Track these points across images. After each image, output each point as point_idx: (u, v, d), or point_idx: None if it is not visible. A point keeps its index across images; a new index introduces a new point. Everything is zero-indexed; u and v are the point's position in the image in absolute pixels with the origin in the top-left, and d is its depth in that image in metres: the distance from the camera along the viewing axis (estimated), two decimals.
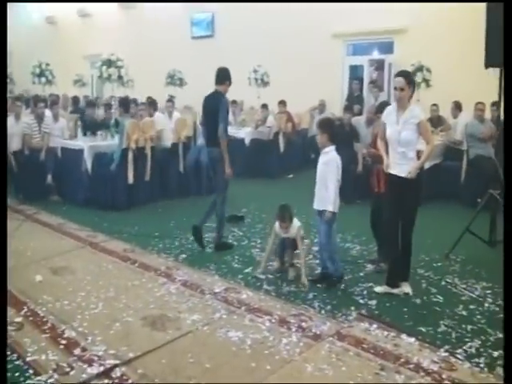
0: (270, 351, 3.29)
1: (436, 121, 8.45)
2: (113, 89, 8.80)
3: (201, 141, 8.26)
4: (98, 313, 3.84)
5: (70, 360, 3.17)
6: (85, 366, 3.11)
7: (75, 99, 11.45)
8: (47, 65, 11.90)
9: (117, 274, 4.66)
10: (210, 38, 14.71)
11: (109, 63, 8.14)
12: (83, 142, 7.41)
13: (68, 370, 3.07)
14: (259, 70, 11.53)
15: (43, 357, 3.21)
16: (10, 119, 7.60)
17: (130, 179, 7.00)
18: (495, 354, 3.32)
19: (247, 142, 9.54)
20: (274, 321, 3.71)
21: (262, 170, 9.29)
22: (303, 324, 3.66)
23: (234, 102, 10.96)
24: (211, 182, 7.78)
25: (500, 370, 3.10)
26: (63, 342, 3.40)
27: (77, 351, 3.28)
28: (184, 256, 5.16)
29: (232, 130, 9.42)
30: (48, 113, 8.17)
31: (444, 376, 3.02)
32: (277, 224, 4.65)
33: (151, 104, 8.48)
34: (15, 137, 7.56)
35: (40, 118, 7.79)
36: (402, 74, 4.19)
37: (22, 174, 7.50)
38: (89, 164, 7.15)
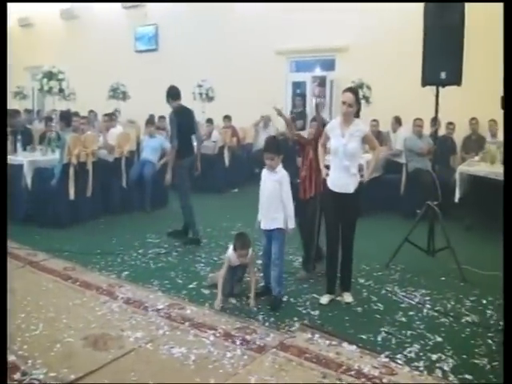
0: (215, 365, 3.29)
1: (376, 135, 8.71)
2: (54, 102, 8.59)
3: (144, 155, 8.24)
4: (38, 334, 3.73)
5: None
6: None
7: (15, 112, 11.08)
8: None
9: (57, 293, 4.54)
10: (154, 52, 14.66)
11: (50, 76, 7.93)
12: (23, 157, 7.21)
13: None
14: (204, 85, 11.57)
15: None
16: None
17: (72, 195, 6.85)
18: (434, 357, 3.45)
19: None
20: (218, 335, 3.72)
21: (207, 184, 9.27)
22: (247, 337, 3.69)
23: None
24: (154, 197, 7.84)
25: (439, 372, 3.25)
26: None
27: (17, 376, 3.17)
28: (127, 273, 5.08)
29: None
30: None
31: (384, 380, 3.12)
32: (231, 253, 4.42)
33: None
34: None
35: None
36: (351, 90, 4.38)
37: None
38: (28, 179, 6.95)
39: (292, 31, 11.48)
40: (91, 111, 12.03)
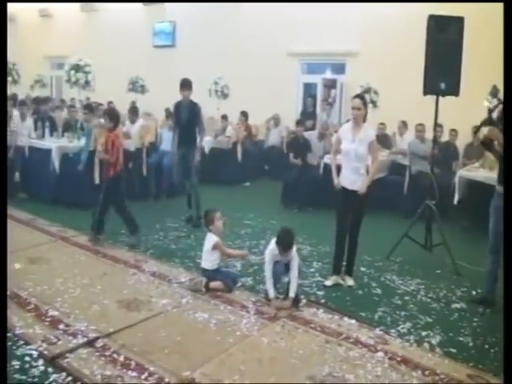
0: (232, 328, 3.81)
1: (383, 138, 9.20)
2: (79, 93, 9.11)
3: (164, 146, 8.72)
4: (76, 296, 4.26)
5: (56, 333, 3.59)
6: (70, 338, 3.53)
7: (44, 99, 11.62)
8: (14, 64, 12.04)
9: (90, 264, 5.07)
10: (171, 48, 15.14)
11: (77, 68, 8.46)
12: (51, 143, 7.73)
13: (55, 341, 3.49)
14: (219, 82, 12.06)
15: (31, 330, 3.62)
16: None
17: (97, 180, 7.34)
18: (423, 333, 3.94)
19: (207, 150, 10.02)
20: (235, 305, 4.23)
21: (220, 177, 9.79)
22: (260, 308, 4.20)
23: None
24: (171, 185, 8.33)
25: (427, 345, 3.74)
26: (47, 319, 3.81)
27: (61, 326, 3.70)
28: (151, 251, 5.60)
29: None
30: (15, 112, 8.43)
31: (378, 348, 3.62)
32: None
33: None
34: None
35: (8, 117, 8.05)
36: (359, 96, 4.94)
37: None
38: (56, 164, 7.48)
39: (304, 34, 11.94)
40: (110, 102, 12.52)
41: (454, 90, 5.42)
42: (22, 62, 14.64)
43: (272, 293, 4.29)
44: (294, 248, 4.41)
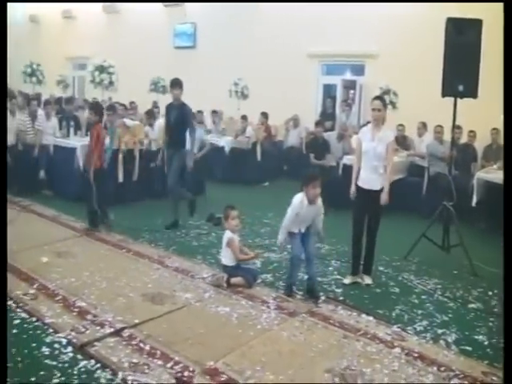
0: (253, 322, 3.93)
1: (401, 139, 9.25)
2: (102, 93, 9.32)
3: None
4: (102, 289, 4.42)
5: (84, 323, 3.75)
6: (97, 327, 3.69)
7: (70, 99, 11.87)
8: (38, 65, 12.33)
9: (114, 259, 5.23)
10: (192, 49, 15.32)
11: (101, 69, 8.69)
12: (76, 142, 7.93)
13: (83, 330, 3.65)
14: (239, 83, 12.20)
15: (60, 320, 3.78)
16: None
17: (120, 178, 7.55)
18: (440, 331, 4.02)
19: (227, 150, 10.18)
20: (256, 301, 4.35)
21: (240, 176, 9.92)
22: (280, 304, 4.31)
23: (215, 111, 11.63)
24: (192, 184, 8.47)
25: (443, 343, 3.82)
26: (75, 309, 3.98)
27: (89, 317, 3.86)
28: (174, 247, 5.75)
29: (213, 138, 10.13)
30: (40, 111, 8.65)
31: (395, 344, 3.71)
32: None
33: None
34: (10, 133, 8.00)
35: (33, 116, 8.29)
36: (379, 97, 5.08)
37: (16, 168, 7.94)
38: (81, 162, 7.66)
39: (324, 36, 12.02)
40: (132, 102, 12.74)
41: (472, 92, 5.48)
42: (44, 62, 14.96)
43: (282, 238, 4.56)
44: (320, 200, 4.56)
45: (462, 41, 5.45)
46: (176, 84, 6.46)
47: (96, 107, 6.47)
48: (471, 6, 8.40)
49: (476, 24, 5.48)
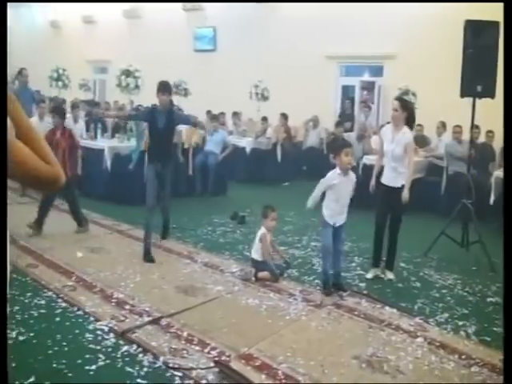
0: (282, 313, 4.15)
1: (420, 139, 9.39)
2: (128, 96, 9.59)
3: (208, 147, 9.12)
4: (137, 281, 4.67)
5: (123, 312, 4.00)
6: (136, 316, 3.93)
7: (95, 103, 12.23)
8: (64, 70, 12.66)
9: None
10: (212, 52, 15.57)
11: (127, 73, 8.91)
12: (103, 143, 8.22)
13: (123, 319, 3.89)
14: (260, 85, 12.39)
15: (100, 309, 4.03)
16: (35, 119, 8.36)
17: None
18: (460, 323, 4.19)
19: (248, 150, 10.41)
20: (283, 293, 4.57)
21: (260, 176, 10.14)
22: (307, 297, 4.52)
23: (236, 113, 11.87)
24: (215, 184, 8.71)
25: (463, 334, 3.99)
26: (114, 300, 4.22)
27: (127, 307, 4.10)
28: (202, 244, 5.99)
29: (234, 139, 10.36)
30: (68, 115, 8.94)
31: (418, 334, 3.90)
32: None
33: None
34: None
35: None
36: (398, 98, 5.25)
37: None
38: (109, 163, 7.96)
39: (342, 37, 12.16)
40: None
41: (490, 92, 5.61)
42: (65, 66, 15.33)
43: (310, 203, 4.61)
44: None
45: (480, 42, 5.60)
46: (165, 88, 5.42)
47: (57, 110, 6.64)
48: (489, 5, 8.51)
49: (494, 26, 5.62)
